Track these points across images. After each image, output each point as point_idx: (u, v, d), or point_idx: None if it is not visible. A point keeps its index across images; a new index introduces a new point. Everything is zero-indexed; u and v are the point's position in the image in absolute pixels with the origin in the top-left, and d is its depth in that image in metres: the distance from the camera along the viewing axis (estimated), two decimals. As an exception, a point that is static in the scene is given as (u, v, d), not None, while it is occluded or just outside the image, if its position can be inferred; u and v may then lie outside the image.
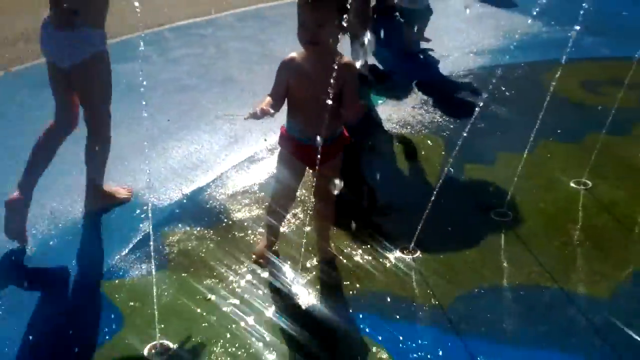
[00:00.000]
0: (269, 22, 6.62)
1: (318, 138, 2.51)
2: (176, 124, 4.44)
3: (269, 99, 2.63)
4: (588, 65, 5.37)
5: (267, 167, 3.87)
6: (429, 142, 4.21)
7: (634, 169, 3.85)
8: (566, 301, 2.81)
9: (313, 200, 2.98)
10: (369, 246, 3.16)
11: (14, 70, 5.41)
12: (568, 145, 4.09)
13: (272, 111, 2.56)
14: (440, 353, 2.53)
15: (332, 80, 2.46)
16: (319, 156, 2.58)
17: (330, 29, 2.49)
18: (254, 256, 3.06)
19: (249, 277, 2.94)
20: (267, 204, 3.11)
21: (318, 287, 2.89)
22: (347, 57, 2.62)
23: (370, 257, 3.08)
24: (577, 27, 6.09)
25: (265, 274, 2.95)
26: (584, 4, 6.71)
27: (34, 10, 6.84)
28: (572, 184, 3.66)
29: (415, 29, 5.58)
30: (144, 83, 4.98)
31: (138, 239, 3.25)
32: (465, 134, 4.16)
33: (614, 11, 6.69)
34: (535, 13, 6.56)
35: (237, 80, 5.15)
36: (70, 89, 3.35)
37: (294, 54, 2.65)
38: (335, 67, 2.44)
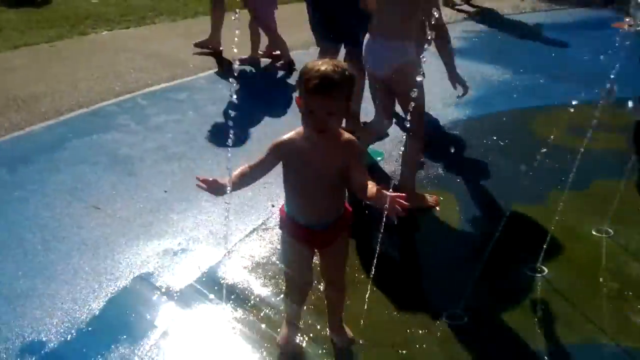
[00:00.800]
0: (245, 81, 6.53)
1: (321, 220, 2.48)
2: (174, 195, 4.23)
3: (244, 169, 2.44)
4: (568, 112, 5.46)
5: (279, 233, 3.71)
6: (440, 197, 4.14)
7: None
8: (629, 357, 2.74)
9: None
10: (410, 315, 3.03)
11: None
12: (577, 193, 4.10)
13: (228, 189, 2.35)
14: None
15: (336, 162, 2.38)
16: (323, 239, 2.54)
17: (339, 115, 2.37)
18: (279, 347, 2.85)
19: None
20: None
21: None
22: (347, 134, 2.45)
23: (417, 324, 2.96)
24: (545, 74, 6.36)
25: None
26: (552, 53, 7.04)
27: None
28: (594, 233, 3.66)
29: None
30: (130, 153, 4.82)
31: (161, 326, 3.01)
32: (472, 188, 4.21)
33: (575, 58, 6.96)
34: (503, 62, 6.78)
35: (225, 146, 4.98)
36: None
37: (290, 135, 2.42)
38: (340, 148, 2.37)
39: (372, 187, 2.26)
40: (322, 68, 2.26)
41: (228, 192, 2.34)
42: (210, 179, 2.36)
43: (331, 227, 2.53)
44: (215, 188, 2.36)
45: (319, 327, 2.96)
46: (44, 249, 3.66)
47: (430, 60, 6.84)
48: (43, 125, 5.51)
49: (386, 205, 2.12)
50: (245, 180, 2.43)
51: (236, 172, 2.42)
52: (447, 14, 9.18)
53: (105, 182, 4.43)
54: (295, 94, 2.39)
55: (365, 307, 3.03)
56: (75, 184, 4.39)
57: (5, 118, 5.67)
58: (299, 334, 2.89)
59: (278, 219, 2.67)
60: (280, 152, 2.41)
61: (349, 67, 2.35)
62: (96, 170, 4.59)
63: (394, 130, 4.95)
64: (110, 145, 5.03)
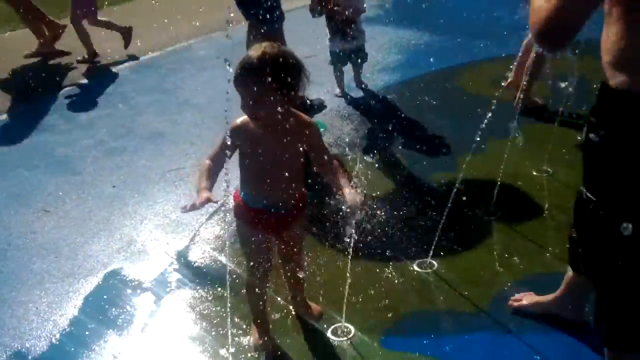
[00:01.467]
0: (166, 70, 6.45)
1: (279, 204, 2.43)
2: (125, 189, 4.18)
3: (208, 165, 2.36)
4: (487, 66, 5.79)
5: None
6: (386, 159, 4.30)
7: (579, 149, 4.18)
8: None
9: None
10: (386, 267, 3.18)
11: None
12: (513, 140, 4.36)
13: (214, 200, 2.25)
14: (506, 353, 2.61)
15: (290, 145, 2.35)
16: (280, 222, 2.50)
17: (270, 103, 2.24)
18: (254, 348, 2.74)
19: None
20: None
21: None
22: (303, 116, 2.44)
23: (391, 277, 3.11)
24: (461, 33, 6.64)
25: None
26: (464, 13, 7.31)
27: None
28: (535, 173, 3.93)
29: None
30: (68, 153, 4.70)
31: (144, 315, 3.02)
32: (417, 144, 4.40)
33: (486, 15, 7.26)
34: (419, 26, 7.01)
35: (165, 134, 4.95)
36: None
37: (243, 118, 2.37)
38: (294, 131, 2.33)
39: (341, 177, 2.40)
40: (250, 53, 2.24)
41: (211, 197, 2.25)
42: (197, 203, 2.23)
43: (290, 210, 2.50)
44: (202, 205, 2.26)
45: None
46: (2, 258, 3.54)
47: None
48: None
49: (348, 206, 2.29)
50: (214, 175, 2.37)
51: (203, 171, 2.36)
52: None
53: (48, 184, 4.31)
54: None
55: (335, 272, 3.15)
56: (19, 190, 4.26)
57: None
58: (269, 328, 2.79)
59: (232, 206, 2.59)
60: (236, 134, 2.36)
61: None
62: (36, 174, 4.46)
63: (335, 103, 5.09)
64: (45, 147, 4.88)
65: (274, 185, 2.39)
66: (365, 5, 5.22)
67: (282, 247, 2.69)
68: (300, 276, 2.82)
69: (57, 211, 3.97)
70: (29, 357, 2.80)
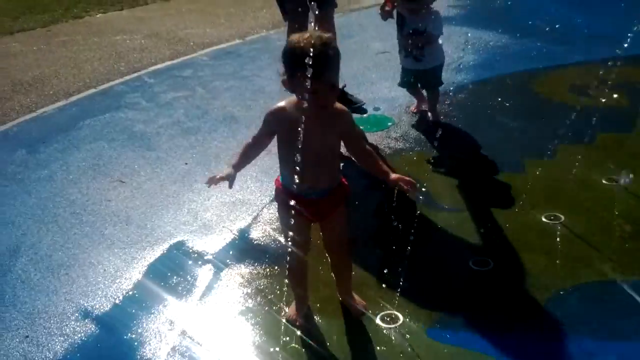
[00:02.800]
0: (245, 59, 6.62)
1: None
2: (196, 167, 4.35)
3: (244, 149, 2.59)
4: (568, 72, 5.66)
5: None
6: (452, 156, 4.29)
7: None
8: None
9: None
10: (442, 262, 3.20)
11: (1, 130, 5.18)
12: (584, 146, 4.26)
13: (228, 180, 2.49)
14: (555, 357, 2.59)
15: (329, 132, 2.43)
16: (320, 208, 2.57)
17: (327, 91, 2.34)
18: (287, 321, 2.84)
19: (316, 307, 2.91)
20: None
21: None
22: (339, 105, 2.51)
23: (447, 272, 3.13)
24: (542, 38, 6.50)
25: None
26: (548, 17, 7.16)
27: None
28: (604, 182, 3.83)
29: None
30: (146, 130, 4.92)
31: (203, 288, 3.14)
32: (484, 145, 4.36)
33: (569, 21, 7.08)
34: (500, 28, 6.91)
35: (238, 118, 5.10)
36: None
37: (282, 104, 2.45)
38: (333, 118, 2.42)
39: (380, 164, 2.54)
40: (312, 43, 2.24)
41: (234, 174, 2.52)
42: (217, 177, 2.49)
43: (328, 196, 2.55)
44: (225, 180, 2.50)
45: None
46: (77, 222, 3.77)
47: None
48: (54, 106, 5.61)
49: (405, 188, 2.43)
50: (248, 157, 2.60)
51: (238, 153, 2.58)
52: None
53: (125, 157, 4.54)
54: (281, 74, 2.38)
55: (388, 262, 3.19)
56: (97, 161, 4.50)
57: (15, 101, 5.75)
58: (307, 307, 2.90)
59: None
60: (274, 120, 2.47)
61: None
62: (115, 147, 4.70)
63: (402, 97, 5.09)
64: (125, 123, 5.13)
65: (311, 171, 2.45)
66: (441, 32, 4.52)
67: (325, 235, 2.75)
68: (345, 265, 2.87)
69: (132, 182, 4.18)
70: (94, 315, 2.99)
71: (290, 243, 2.65)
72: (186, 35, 7.57)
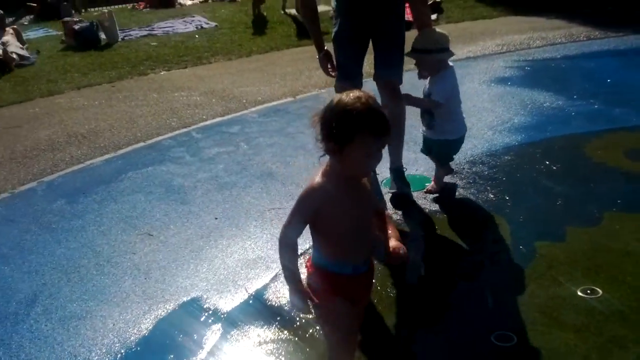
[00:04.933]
0: (293, 116, 6.64)
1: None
2: (224, 222, 4.31)
3: (293, 248, 2.22)
4: (624, 135, 5.36)
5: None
6: (492, 222, 4.07)
7: None
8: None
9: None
10: (456, 336, 2.97)
11: (47, 180, 5.33)
12: (634, 215, 3.96)
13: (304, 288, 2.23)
14: None
15: (369, 200, 2.30)
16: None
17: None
18: None
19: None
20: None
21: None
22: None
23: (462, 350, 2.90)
24: (600, 99, 6.23)
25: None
26: (607, 79, 6.90)
27: (51, 121, 6.97)
28: (655, 254, 3.52)
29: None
30: (183, 183, 4.95)
31: (211, 346, 3.04)
32: (525, 211, 4.12)
33: (632, 83, 6.78)
34: (556, 88, 6.68)
35: (275, 174, 5.07)
36: None
37: (320, 181, 2.17)
38: (365, 185, 2.29)
39: (392, 228, 2.39)
40: (370, 102, 2.07)
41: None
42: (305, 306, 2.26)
43: (372, 265, 2.38)
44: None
45: None
46: (98, 273, 3.78)
47: (477, 82, 6.88)
48: (102, 158, 5.74)
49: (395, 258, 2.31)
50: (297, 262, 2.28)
51: (293, 265, 2.24)
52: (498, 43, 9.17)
53: (158, 210, 4.56)
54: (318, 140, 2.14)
55: (408, 329, 3.00)
56: (131, 213, 4.54)
57: (67, 153, 5.94)
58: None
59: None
60: (318, 198, 2.16)
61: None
62: (150, 200, 4.74)
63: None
64: (165, 176, 5.19)
65: (361, 243, 2.27)
66: (440, 100, 4.05)
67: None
68: None
69: (159, 235, 4.18)
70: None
71: (341, 340, 2.42)
72: (240, 93, 7.70)
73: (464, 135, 4.35)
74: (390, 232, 2.37)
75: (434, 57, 4.07)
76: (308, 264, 2.37)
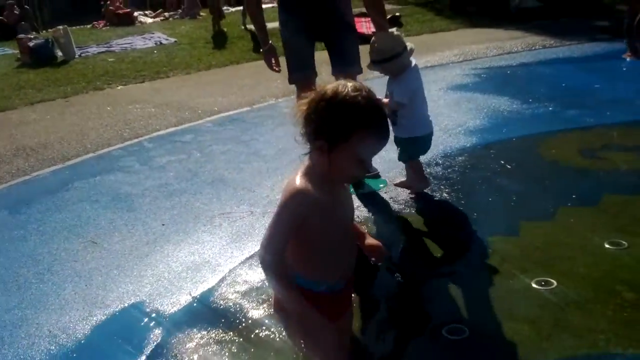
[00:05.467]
0: (248, 124, 6.54)
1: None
2: (172, 228, 4.15)
3: (281, 270, 1.88)
4: (578, 135, 5.37)
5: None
6: (445, 219, 3.99)
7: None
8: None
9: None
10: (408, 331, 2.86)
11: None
12: (588, 209, 3.91)
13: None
14: None
15: (352, 207, 2.08)
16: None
17: None
18: None
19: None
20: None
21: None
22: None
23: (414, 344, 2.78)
24: (555, 102, 6.26)
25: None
26: (562, 83, 6.97)
27: (5, 135, 6.74)
28: (607, 245, 3.46)
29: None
30: (131, 191, 4.79)
31: (150, 350, 2.88)
32: (478, 208, 4.05)
33: (586, 86, 6.85)
34: (512, 93, 6.70)
35: (227, 180, 4.93)
36: None
37: (304, 184, 1.85)
38: (347, 191, 2.07)
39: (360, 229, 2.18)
40: (373, 98, 1.80)
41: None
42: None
43: (349, 280, 2.10)
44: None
45: None
46: (37, 281, 3.59)
47: (434, 90, 6.87)
48: (48, 170, 5.56)
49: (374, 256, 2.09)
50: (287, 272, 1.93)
51: (289, 282, 1.91)
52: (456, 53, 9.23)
53: (103, 218, 4.38)
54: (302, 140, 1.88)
55: (358, 324, 2.88)
56: (75, 222, 4.36)
57: (13, 166, 5.74)
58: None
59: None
60: (305, 207, 1.84)
61: None
62: (96, 208, 4.56)
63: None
64: (112, 185, 5.02)
65: (347, 256, 2.01)
66: (402, 101, 3.92)
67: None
68: None
69: (103, 243, 4.00)
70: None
71: None
72: (196, 104, 7.57)
73: (430, 134, 4.23)
74: (361, 229, 2.19)
75: (394, 64, 3.95)
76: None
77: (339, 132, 1.75)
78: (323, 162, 1.82)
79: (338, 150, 1.78)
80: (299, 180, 1.85)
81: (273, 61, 4.35)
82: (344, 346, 2.19)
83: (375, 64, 4.00)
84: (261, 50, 4.41)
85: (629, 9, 8.03)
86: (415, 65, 4.10)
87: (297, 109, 1.84)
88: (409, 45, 4.04)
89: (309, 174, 1.86)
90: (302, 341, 2.10)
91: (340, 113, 1.75)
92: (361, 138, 1.76)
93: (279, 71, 4.35)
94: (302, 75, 4.23)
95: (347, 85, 1.79)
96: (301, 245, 1.89)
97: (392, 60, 3.95)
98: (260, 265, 1.95)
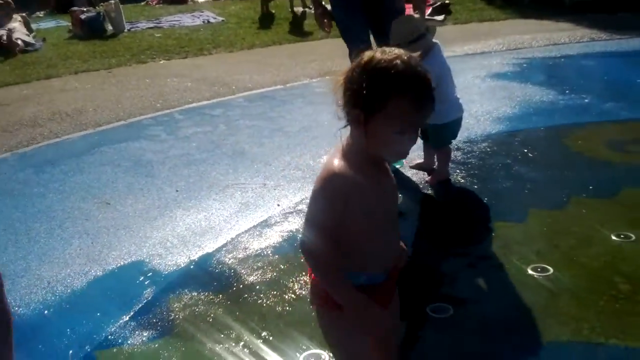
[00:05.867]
0: (278, 102, 6.57)
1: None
2: (185, 194, 4.23)
3: (334, 261, 1.68)
4: (609, 127, 5.19)
5: (281, 230, 3.63)
6: (453, 203, 3.94)
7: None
8: (625, 357, 2.45)
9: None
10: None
11: (20, 152, 5.31)
12: (603, 200, 3.79)
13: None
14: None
15: (392, 182, 1.81)
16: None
17: None
18: None
19: (258, 341, 2.62)
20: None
21: None
22: None
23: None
24: (592, 94, 6.06)
25: (275, 341, 2.63)
26: (604, 77, 6.74)
27: (40, 100, 6.98)
28: (613, 237, 3.36)
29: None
30: (153, 158, 4.89)
31: (140, 305, 2.96)
32: (490, 194, 3.98)
33: (628, 81, 6.60)
34: (549, 84, 6.52)
35: (247, 153, 4.98)
36: None
37: (342, 162, 1.66)
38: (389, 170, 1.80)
39: None
40: (413, 63, 1.62)
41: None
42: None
43: (392, 273, 1.86)
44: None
45: None
46: (47, 236, 3.73)
47: (470, 77, 6.73)
48: (79, 134, 5.73)
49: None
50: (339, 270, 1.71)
51: (339, 272, 1.70)
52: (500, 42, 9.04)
53: (122, 182, 4.50)
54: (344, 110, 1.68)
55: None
56: (94, 183, 4.50)
57: (46, 128, 5.93)
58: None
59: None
60: (345, 188, 1.65)
61: None
62: (116, 172, 4.69)
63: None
64: (136, 152, 5.14)
65: (390, 245, 1.82)
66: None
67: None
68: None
69: (116, 204, 4.11)
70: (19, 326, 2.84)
71: None
72: (232, 80, 7.65)
73: (460, 118, 4.16)
74: None
75: (419, 46, 3.78)
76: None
77: (374, 99, 1.58)
78: (360, 135, 1.64)
79: (375, 120, 1.60)
80: (336, 161, 1.67)
81: (325, 21, 4.39)
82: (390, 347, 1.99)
83: (399, 47, 3.93)
84: (313, 11, 4.51)
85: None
86: (438, 46, 4.04)
87: (335, 80, 1.68)
88: (431, 26, 3.99)
89: (348, 153, 1.68)
90: (347, 340, 1.83)
91: (375, 78, 1.59)
92: (398, 105, 1.57)
93: (329, 32, 4.44)
94: (361, 46, 4.19)
95: (385, 51, 1.64)
96: (338, 232, 1.68)
97: (417, 42, 3.88)
98: (303, 255, 1.75)
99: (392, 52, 1.63)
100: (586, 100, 5.96)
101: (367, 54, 1.65)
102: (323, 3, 4.46)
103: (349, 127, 1.68)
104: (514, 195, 3.97)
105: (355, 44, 4.16)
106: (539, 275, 3.02)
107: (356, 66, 1.64)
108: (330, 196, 1.66)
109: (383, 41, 4.18)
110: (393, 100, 1.57)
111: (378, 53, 1.63)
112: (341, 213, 1.65)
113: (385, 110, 1.58)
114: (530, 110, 5.75)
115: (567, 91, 6.26)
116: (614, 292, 2.87)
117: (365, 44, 4.24)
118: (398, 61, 1.59)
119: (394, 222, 1.83)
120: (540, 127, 5.26)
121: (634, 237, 3.33)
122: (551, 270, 3.05)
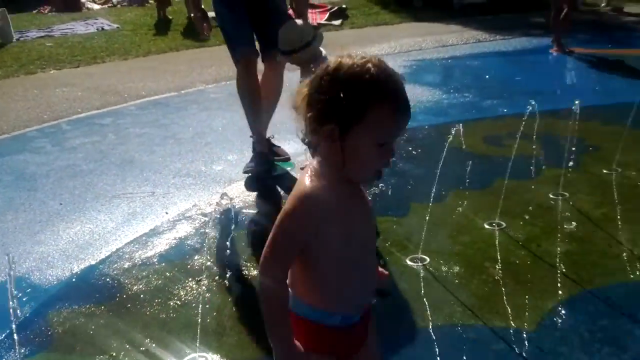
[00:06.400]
0: (172, 109, 6.51)
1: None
2: (69, 207, 4.11)
3: (284, 296, 1.53)
4: (488, 123, 5.50)
5: (168, 238, 3.61)
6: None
7: (542, 207, 3.82)
8: (492, 336, 2.61)
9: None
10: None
11: None
12: (477, 192, 4.03)
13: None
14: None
15: (369, 207, 1.63)
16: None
17: None
18: None
19: (139, 350, 2.60)
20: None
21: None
22: None
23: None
24: (475, 92, 6.39)
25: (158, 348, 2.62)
26: (486, 75, 7.11)
27: None
28: (486, 226, 3.57)
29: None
30: (36, 171, 4.73)
31: (17, 322, 2.84)
32: (375, 191, 4.12)
33: (507, 78, 7.01)
34: (436, 84, 6.82)
35: (136, 162, 4.91)
36: None
37: (315, 187, 1.47)
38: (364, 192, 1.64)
39: None
40: (384, 67, 1.47)
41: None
42: None
43: (366, 313, 1.69)
44: None
45: None
46: None
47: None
48: (-41, 149, 5.44)
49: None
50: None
51: (284, 312, 1.54)
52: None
53: (1, 197, 4.33)
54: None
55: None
56: (-29, 199, 4.29)
57: None
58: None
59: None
60: (314, 218, 1.47)
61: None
62: (-4, 187, 4.50)
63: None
64: (19, 165, 4.95)
65: (368, 279, 1.62)
66: None
67: None
68: None
69: (-7, 222, 3.95)
70: None
71: None
72: (125, 88, 7.49)
73: None
74: None
75: (305, 53, 3.84)
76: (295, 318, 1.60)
77: (350, 110, 1.41)
78: (335, 152, 1.45)
79: (352, 135, 1.43)
80: (308, 183, 1.48)
81: (205, 25, 4.40)
82: None
83: (285, 54, 3.96)
84: (192, 16, 4.51)
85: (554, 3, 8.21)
86: (326, 55, 4.08)
87: (298, 92, 1.50)
88: (318, 32, 4.05)
89: (319, 174, 1.49)
90: None
91: (349, 86, 1.41)
92: (378, 115, 1.42)
93: (207, 36, 4.47)
94: (247, 49, 4.17)
95: (351, 55, 1.46)
96: (312, 265, 1.52)
97: (304, 50, 3.90)
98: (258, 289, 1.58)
99: (360, 56, 1.46)
100: (469, 99, 6.28)
101: (332, 61, 1.47)
102: (203, 7, 4.48)
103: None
104: (397, 191, 4.13)
105: (243, 48, 4.21)
106: (417, 265, 3.17)
107: (324, 74, 1.46)
108: (297, 225, 1.48)
109: (267, 45, 4.27)
110: (372, 110, 1.42)
111: (345, 58, 1.46)
112: (310, 240, 1.48)
113: (363, 121, 1.42)
114: (417, 110, 5.96)
115: (452, 90, 6.57)
116: (485, 277, 3.06)
117: (253, 47, 4.27)
118: (369, 65, 1.43)
119: (372, 252, 1.67)
120: (424, 126, 5.49)
121: (504, 225, 3.55)
122: (427, 259, 3.21)
